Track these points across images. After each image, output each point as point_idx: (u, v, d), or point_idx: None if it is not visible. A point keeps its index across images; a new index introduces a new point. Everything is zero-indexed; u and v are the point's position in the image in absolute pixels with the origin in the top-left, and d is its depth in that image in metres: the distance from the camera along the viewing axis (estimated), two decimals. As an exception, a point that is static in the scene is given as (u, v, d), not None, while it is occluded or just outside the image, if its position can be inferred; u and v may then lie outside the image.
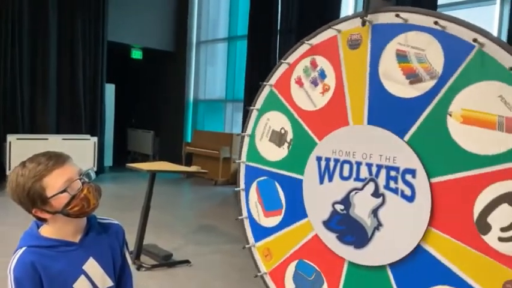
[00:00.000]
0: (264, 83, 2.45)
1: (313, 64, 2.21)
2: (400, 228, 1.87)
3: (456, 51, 1.70)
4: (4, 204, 5.36)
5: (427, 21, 1.78)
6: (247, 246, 2.51)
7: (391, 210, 1.89)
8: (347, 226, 2.05)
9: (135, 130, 10.97)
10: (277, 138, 2.36)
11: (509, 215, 1.56)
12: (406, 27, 1.85)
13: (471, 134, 1.65)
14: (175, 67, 10.19)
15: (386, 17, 1.92)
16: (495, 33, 5.57)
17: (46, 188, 1.26)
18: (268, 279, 2.41)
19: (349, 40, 2.06)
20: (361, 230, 1.99)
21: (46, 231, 1.34)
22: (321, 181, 2.15)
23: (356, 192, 2.01)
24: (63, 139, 7.48)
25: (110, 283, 1.42)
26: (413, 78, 1.82)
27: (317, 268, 2.17)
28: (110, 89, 8.94)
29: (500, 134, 1.58)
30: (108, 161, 8.98)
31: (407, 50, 1.84)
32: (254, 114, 2.50)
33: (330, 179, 2.11)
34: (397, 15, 1.86)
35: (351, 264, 2.03)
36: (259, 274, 2.44)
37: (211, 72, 10.19)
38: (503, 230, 1.57)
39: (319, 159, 2.16)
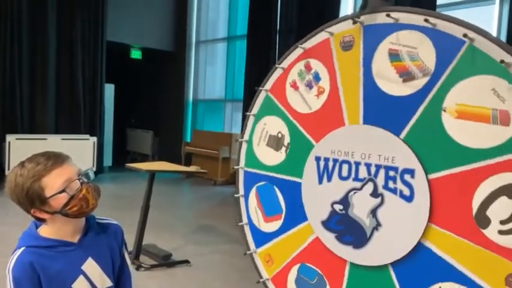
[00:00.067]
0: (260, 88, 2.46)
1: (307, 67, 2.24)
2: (399, 228, 1.87)
3: (447, 48, 1.72)
4: (4, 204, 5.35)
5: (417, 19, 1.80)
6: (248, 252, 2.50)
7: (390, 210, 1.89)
8: (346, 226, 2.05)
9: (135, 130, 10.96)
10: (275, 142, 2.37)
11: (508, 207, 1.56)
12: (398, 27, 1.87)
13: (466, 128, 1.67)
14: (175, 67, 10.19)
15: (378, 18, 1.94)
16: (494, 33, 5.57)
17: (45, 188, 1.26)
18: (270, 285, 2.40)
19: (341, 42, 2.08)
20: (360, 230, 1.99)
21: (45, 231, 1.34)
22: (320, 181, 2.15)
23: (355, 192, 2.01)
24: (63, 139, 7.48)
25: (109, 283, 1.42)
26: (406, 76, 1.84)
27: (319, 271, 2.17)
28: (109, 89, 8.94)
29: (494, 127, 1.59)
30: (108, 161, 8.97)
31: (399, 49, 1.86)
32: (251, 120, 2.52)
33: (329, 179, 2.11)
34: (388, 15, 1.89)
35: (352, 265, 2.03)
36: (261, 280, 2.43)
37: (211, 72, 10.19)
38: (502, 222, 1.57)
39: (317, 159, 2.16)
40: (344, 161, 2.06)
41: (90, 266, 1.37)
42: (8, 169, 6.78)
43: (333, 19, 2.22)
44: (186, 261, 3.93)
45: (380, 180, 1.92)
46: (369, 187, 1.96)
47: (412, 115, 1.82)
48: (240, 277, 3.65)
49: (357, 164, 2.00)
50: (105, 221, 1.48)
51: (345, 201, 2.05)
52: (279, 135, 2.35)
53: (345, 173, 2.05)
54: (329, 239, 2.11)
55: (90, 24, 8.22)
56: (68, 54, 8.02)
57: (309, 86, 2.22)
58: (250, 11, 8.19)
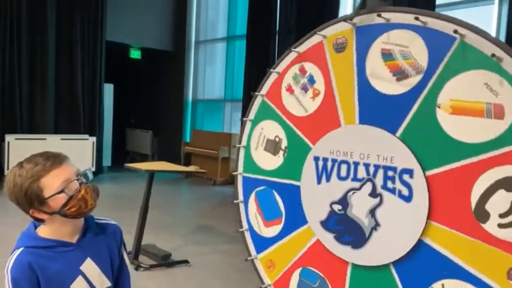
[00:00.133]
0: (256, 93, 2.48)
1: (302, 71, 2.26)
2: (397, 228, 1.87)
3: (439, 45, 1.74)
4: (4, 204, 5.35)
5: (408, 18, 1.83)
6: (249, 258, 2.50)
7: (389, 210, 1.90)
8: (344, 226, 2.05)
9: (134, 130, 10.96)
10: (272, 146, 2.38)
11: (506, 200, 1.57)
12: (389, 27, 1.90)
13: (461, 123, 1.68)
14: (174, 67, 10.18)
15: (369, 18, 1.97)
16: (493, 34, 5.58)
17: (43, 189, 1.26)
18: None
19: (334, 44, 2.11)
20: (359, 230, 1.99)
21: (43, 231, 1.34)
22: (319, 181, 2.15)
23: (354, 192, 2.01)
24: (62, 139, 7.48)
25: (108, 283, 1.42)
26: (400, 75, 1.86)
27: (321, 274, 2.17)
28: (108, 89, 8.93)
29: (489, 121, 1.61)
30: (107, 161, 8.97)
31: (391, 48, 1.88)
32: (248, 125, 2.53)
33: (328, 179, 2.12)
34: (379, 15, 1.91)
35: (354, 267, 2.03)
36: (263, 286, 2.43)
37: (210, 72, 10.19)
38: (502, 216, 1.58)
39: (316, 159, 2.16)
40: (343, 161, 2.06)
41: (89, 266, 1.37)
42: (8, 169, 6.78)
43: (332, 18, 2.23)
44: (186, 261, 3.93)
45: (379, 180, 1.92)
46: (368, 187, 1.96)
47: (407, 113, 1.83)
48: (239, 277, 3.65)
49: (356, 164, 2.00)
50: (103, 221, 1.48)
51: (343, 201, 2.05)
52: (277, 139, 2.36)
53: (343, 173, 2.05)
54: (328, 239, 2.11)
55: (90, 24, 8.21)
56: (67, 54, 8.02)
57: (304, 89, 2.24)
58: (249, 11, 8.19)
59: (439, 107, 1.73)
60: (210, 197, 7.30)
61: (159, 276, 3.66)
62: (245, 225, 2.54)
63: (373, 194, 1.94)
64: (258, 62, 7.80)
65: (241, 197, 2.56)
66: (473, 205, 1.65)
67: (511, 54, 1.57)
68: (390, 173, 1.88)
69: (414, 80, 1.81)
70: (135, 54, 10.22)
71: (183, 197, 7.82)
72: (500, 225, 1.58)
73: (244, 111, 2.66)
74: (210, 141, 8.74)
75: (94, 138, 7.90)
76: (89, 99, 8.30)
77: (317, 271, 2.19)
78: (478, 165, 1.63)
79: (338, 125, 2.09)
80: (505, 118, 1.57)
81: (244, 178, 2.55)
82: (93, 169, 7.60)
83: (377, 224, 1.93)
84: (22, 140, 7.08)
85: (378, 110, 1.93)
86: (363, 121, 1.99)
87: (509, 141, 1.56)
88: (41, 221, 1.32)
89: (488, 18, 5.79)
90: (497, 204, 1.59)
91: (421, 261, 1.80)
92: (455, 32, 1.67)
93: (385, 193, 1.90)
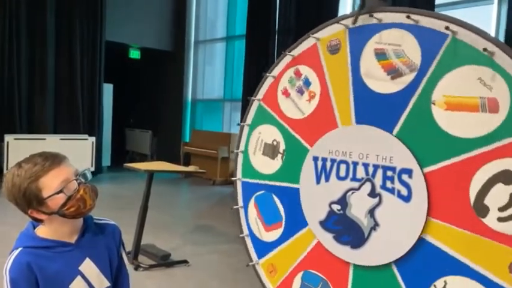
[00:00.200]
0: (252, 98, 2.49)
1: (297, 73, 2.27)
2: (397, 228, 1.87)
3: (431, 42, 1.76)
4: (3, 204, 5.34)
5: (400, 17, 1.85)
6: (250, 264, 2.49)
7: (388, 210, 1.90)
8: (344, 226, 2.05)
9: (133, 130, 10.95)
10: (270, 150, 2.39)
11: (505, 193, 1.57)
12: (381, 26, 1.92)
13: (457, 119, 1.69)
14: (174, 67, 10.18)
15: (362, 19, 2.00)
16: (493, 33, 5.58)
17: (42, 189, 1.26)
18: None
19: (328, 46, 2.13)
20: (358, 230, 1.99)
21: (42, 231, 1.33)
22: (318, 181, 2.15)
23: (353, 192, 2.02)
24: (61, 139, 7.47)
25: (107, 283, 1.41)
26: (394, 73, 1.87)
27: (323, 277, 2.17)
28: (107, 89, 8.93)
29: (484, 115, 1.62)
30: (106, 161, 8.96)
31: (384, 48, 1.90)
32: (245, 130, 2.54)
33: (327, 179, 2.12)
34: (371, 16, 1.93)
35: (356, 268, 2.03)
36: None
37: (210, 72, 10.19)
38: (501, 209, 1.58)
39: (315, 159, 2.16)
40: (342, 161, 2.06)
41: (88, 267, 1.36)
42: (7, 169, 6.77)
43: (331, 18, 2.24)
44: (185, 261, 3.93)
45: (378, 180, 1.92)
46: (367, 187, 1.96)
47: (402, 111, 1.85)
48: (238, 277, 3.65)
49: (355, 164, 2.01)
50: (102, 221, 1.48)
51: (342, 201, 2.05)
52: (274, 143, 2.37)
53: (342, 173, 2.06)
54: (327, 239, 2.11)
55: (89, 24, 8.21)
56: (66, 54, 8.01)
57: (300, 91, 2.26)
58: (249, 11, 8.19)
59: (434, 104, 1.75)
60: (209, 197, 7.30)
61: (159, 276, 3.66)
62: (245, 231, 2.54)
63: (372, 194, 1.94)
64: (258, 62, 7.80)
65: (240, 203, 2.56)
66: (472, 200, 1.65)
67: (503, 48, 1.59)
68: (389, 173, 1.88)
69: (408, 78, 1.83)
70: (134, 54, 10.22)
71: (183, 197, 7.82)
72: (500, 219, 1.58)
73: (244, 111, 2.66)
74: (209, 141, 8.74)
75: (93, 138, 7.90)
76: (88, 99, 8.29)
77: (319, 274, 2.18)
78: (475, 159, 1.64)
79: (335, 126, 2.10)
80: (499, 112, 1.59)
81: (244, 183, 2.56)
82: (93, 169, 7.61)
83: (376, 224, 1.93)
84: (21, 140, 7.07)
85: (374, 110, 1.94)
86: (359, 121, 2.01)
87: (505, 134, 1.58)
88: (40, 221, 1.32)
89: (487, 18, 5.80)
90: (496, 197, 1.59)
91: (423, 259, 1.80)
92: (447, 28, 1.69)
93: (384, 193, 1.90)
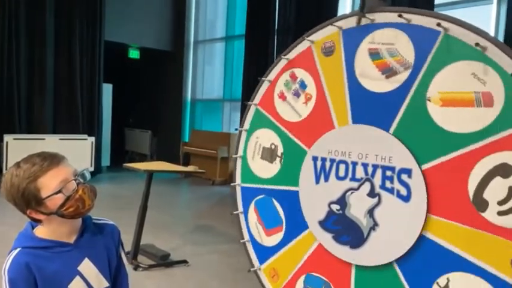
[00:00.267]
0: (249, 102, 2.51)
1: (293, 77, 2.29)
2: (396, 228, 1.87)
3: (424, 40, 1.77)
4: (2, 205, 5.34)
5: (392, 17, 1.87)
6: (252, 269, 2.49)
7: (387, 210, 1.89)
8: (343, 226, 2.05)
9: (133, 130, 10.95)
10: (269, 154, 2.39)
11: (504, 187, 1.57)
12: (374, 27, 1.94)
13: (452, 115, 1.70)
14: (173, 67, 10.18)
15: (354, 20, 2.02)
16: (492, 33, 5.58)
17: (41, 189, 1.25)
18: None
19: (323, 48, 2.15)
20: (357, 230, 1.99)
21: (41, 232, 1.33)
22: (317, 181, 2.15)
23: (352, 192, 2.01)
24: (61, 139, 7.47)
25: (106, 284, 1.41)
26: (388, 72, 1.88)
27: (325, 279, 2.17)
28: (107, 89, 8.92)
29: (479, 109, 1.63)
30: (106, 161, 8.96)
31: (378, 47, 1.92)
32: (243, 136, 2.54)
33: (326, 179, 2.12)
34: (364, 16, 1.96)
35: (358, 269, 2.02)
36: None
37: (209, 72, 10.18)
38: (500, 203, 1.58)
39: (315, 159, 2.16)
40: (341, 161, 2.06)
41: (87, 267, 1.36)
42: (6, 169, 6.77)
43: (330, 17, 2.25)
44: (184, 261, 3.93)
45: (377, 180, 1.92)
46: (366, 187, 1.96)
47: (398, 109, 1.86)
48: (237, 277, 3.65)
49: (354, 164, 2.01)
50: (101, 221, 1.47)
51: (342, 201, 2.05)
52: (272, 147, 2.38)
53: (342, 173, 2.05)
54: (326, 239, 2.11)
55: (88, 24, 8.20)
56: (66, 54, 8.00)
57: (296, 94, 2.27)
58: (248, 11, 8.19)
59: (429, 101, 1.76)
60: (209, 196, 7.30)
61: (158, 276, 3.66)
62: (246, 236, 2.53)
63: (372, 194, 1.94)
64: (257, 62, 7.80)
65: (240, 208, 2.56)
66: (471, 195, 1.65)
67: (495, 42, 1.61)
68: (389, 173, 1.88)
69: (403, 76, 1.84)
70: (133, 54, 10.21)
71: (182, 197, 7.81)
72: (500, 213, 1.59)
73: (243, 111, 2.67)
74: (208, 141, 8.73)
75: (93, 138, 7.89)
76: (88, 99, 8.29)
77: (321, 276, 2.18)
78: (472, 154, 1.65)
79: (332, 126, 2.11)
80: (494, 105, 1.60)
81: (243, 188, 2.56)
82: (92, 169, 7.61)
83: (375, 224, 1.93)
84: (21, 140, 7.07)
85: (370, 109, 1.95)
86: (356, 121, 2.02)
87: (500, 127, 1.58)
88: (39, 221, 1.32)
89: (486, 18, 5.80)
90: (495, 191, 1.60)
91: (424, 257, 1.80)
92: (439, 25, 1.71)
93: (383, 193, 1.90)
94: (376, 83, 1.93)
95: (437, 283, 1.75)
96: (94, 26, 8.26)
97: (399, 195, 1.85)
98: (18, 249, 1.29)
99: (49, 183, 1.26)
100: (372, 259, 1.96)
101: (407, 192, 1.82)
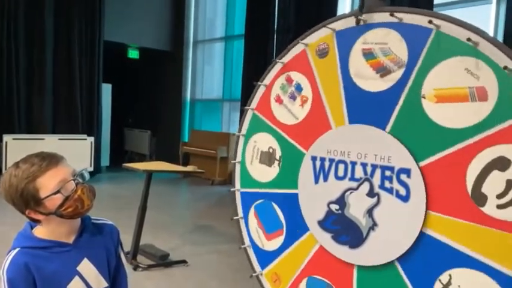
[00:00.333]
0: (246, 107, 2.52)
1: (289, 80, 2.31)
2: (395, 227, 1.87)
3: (416, 38, 1.79)
4: (2, 205, 5.33)
5: (384, 16, 1.88)
6: (254, 274, 2.48)
7: (386, 210, 1.89)
8: (342, 226, 2.05)
9: (132, 130, 10.94)
10: (267, 158, 2.40)
11: (502, 180, 1.57)
12: (367, 27, 1.96)
13: (447, 111, 1.71)
14: (172, 67, 10.18)
15: (348, 22, 2.04)
16: (491, 33, 5.58)
17: (39, 189, 1.25)
18: None
19: (317, 50, 2.17)
20: (356, 230, 1.99)
21: (40, 232, 1.33)
22: (316, 181, 2.15)
23: (351, 192, 2.01)
24: (60, 139, 7.47)
25: (105, 284, 1.41)
26: (383, 71, 1.90)
27: (327, 281, 2.16)
28: (106, 89, 8.92)
29: (474, 104, 1.64)
30: (105, 161, 8.96)
31: (372, 47, 1.93)
32: (241, 140, 2.55)
33: (325, 179, 2.12)
34: (356, 17, 1.98)
35: (360, 269, 2.02)
36: None
37: (209, 72, 10.18)
38: (499, 196, 1.58)
39: (314, 159, 2.17)
40: (340, 161, 2.06)
41: (86, 267, 1.36)
42: (5, 169, 6.75)
43: (330, 17, 2.25)
44: (184, 261, 3.93)
45: (376, 180, 1.92)
46: (365, 187, 1.96)
47: (394, 107, 1.86)
48: (237, 277, 3.65)
49: (353, 163, 2.01)
50: (100, 221, 1.47)
51: (341, 201, 2.05)
52: (270, 150, 2.38)
53: (341, 173, 2.06)
54: (325, 239, 2.11)
55: (88, 24, 8.20)
56: (65, 54, 8.00)
57: (293, 97, 2.29)
58: (247, 11, 8.19)
59: (424, 98, 1.77)
60: (208, 196, 7.30)
61: (157, 276, 3.66)
62: (247, 242, 2.53)
63: (371, 193, 1.94)
64: (257, 62, 7.79)
65: (240, 213, 2.56)
66: (469, 189, 1.65)
67: (486, 37, 1.62)
68: (388, 173, 1.88)
69: (397, 74, 1.85)
70: (133, 54, 10.21)
71: (181, 197, 7.81)
72: (499, 206, 1.58)
73: (243, 111, 2.67)
74: (208, 141, 8.73)
75: (92, 138, 7.89)
76: (87, 99, 8.28)
77: (323, 279, 2.17)
78: (469, 148, 1.65)
79: (329, 127, 2.12)
80: (488, 99, 1.60)
81: (242, 193, 2.56)
82: (91, 169, 7.60)
83: (374, 224, 1.93)
84: (20, 140, 7.07)
85: (366, 108, 1.97)
86: (352, 121, 2.03)
87: (496, 121, 1.59)
88: (37, 221, 1.32)
89: (486, 18, 5.80)
90: (493, 185, 1.60)
91: (425, 254, 1.79)
92: (430, 22, 1.72)
93: (382, 193, 1.90)
94: (370, 82, 1.94)
95: (439, 280, 1.75)
96: (93, 26, 8.26)
97: (398, 195, 1.85)
98: (17, 249, 1.29)
99: (48, 184, 1.26)
100: (371, 259, 1.95)
101: (406, 192, 1.82)
